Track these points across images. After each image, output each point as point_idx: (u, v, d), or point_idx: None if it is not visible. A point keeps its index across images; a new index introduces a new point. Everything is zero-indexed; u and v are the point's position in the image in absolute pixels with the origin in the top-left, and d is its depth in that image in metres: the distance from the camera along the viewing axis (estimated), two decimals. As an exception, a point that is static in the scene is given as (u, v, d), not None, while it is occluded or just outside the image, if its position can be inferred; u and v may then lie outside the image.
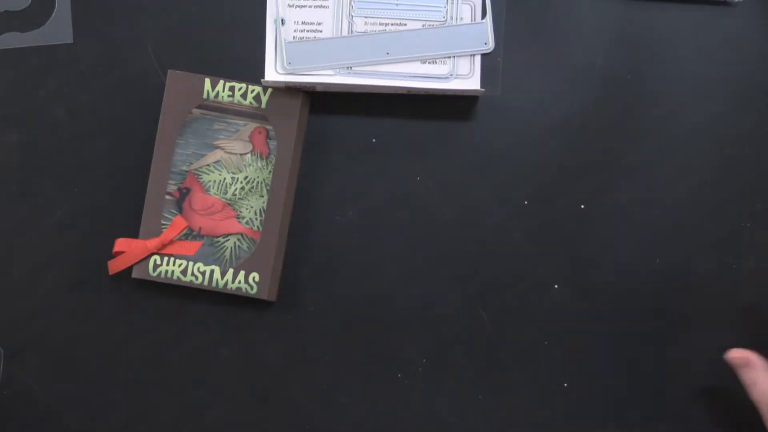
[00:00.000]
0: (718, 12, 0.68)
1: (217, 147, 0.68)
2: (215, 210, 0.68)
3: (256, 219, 0.68)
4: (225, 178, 0.68)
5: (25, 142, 0.69)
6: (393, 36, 0.66)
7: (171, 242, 0.67)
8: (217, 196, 0.68)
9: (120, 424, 0.69)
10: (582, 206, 0.68)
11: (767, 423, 0.60)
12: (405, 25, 0.66)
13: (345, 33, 0.66)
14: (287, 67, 0.66)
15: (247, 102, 0.67)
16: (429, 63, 0.66)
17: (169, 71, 0.67)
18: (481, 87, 0.66)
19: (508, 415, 0.68)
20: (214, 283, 0.67)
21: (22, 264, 0.69)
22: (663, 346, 0.67)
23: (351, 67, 0.66)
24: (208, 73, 0.67)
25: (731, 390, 0.68)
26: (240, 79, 0.67)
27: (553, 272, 0.68)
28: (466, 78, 0.66)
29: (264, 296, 0.66)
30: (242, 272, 0.67)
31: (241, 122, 0.68)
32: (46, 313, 0.69)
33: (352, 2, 0.66)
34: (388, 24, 0.66)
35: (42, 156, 0.69)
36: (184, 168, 0.68)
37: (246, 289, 0.67)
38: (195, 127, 0.68)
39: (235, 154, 0.68)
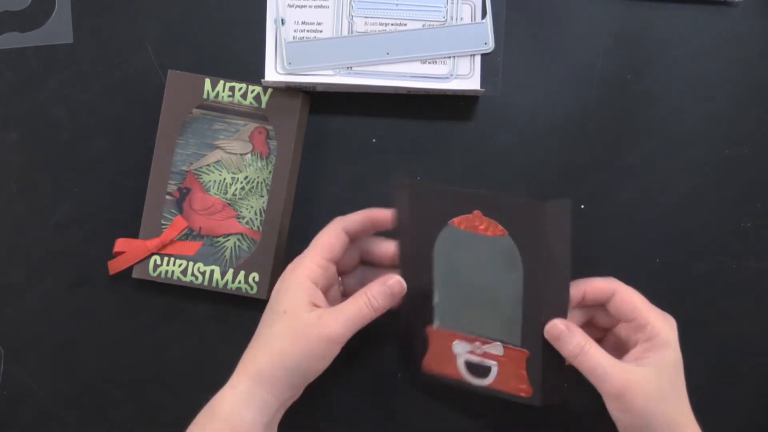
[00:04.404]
0: (718, 12, 0.68)
1: (217, 147, 0.68)
2: (215, 210, 0.68)
3: (256, 219, 0.68)
4: (225, 178, 0.68)
5: (25, 142, 0.69)
6: (393, 36, 0.66)
7: (171, 242, 0.67)
8: (217, 196, 0.68)
9: (120, 424, 0.69)
10: (582, 206, 0.68)
11: (601, 390, 0.57)
12: (405, 25, 0.66)
13: (345, 33, 0.66)
14: (287, 67, 0.66)
15: (247, 102, 0.67)
16: (429, 63, 0.66)
17: (169, 71, 0.67)
18: (481, 87, 0.66)
19: (504, 414, 0.68)
20: (214, 283, 0.67)
21: (22, 264, 0.69)
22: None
23: (351, 67, 0.66)
24: (208, 73, 0.67)
25: (730, 389, 0.68)
26: (240, 79, 0.67)
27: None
28: (466, 78, 0.66)
29: (264, 296, 0.66)
30: (242, 272, 0.67)
31: (241, 122, 0.68)
32: (46, 313, 0.69)
33: (352, 2, 0.66)
34: (388, 24, 0.66)
35: (42, 156, 0.69)
36: (184, 168, 0.68)
37: (246, 289, 0.67)
38: (195, 127, 0.68)
39: (235, 154, 0.68)
